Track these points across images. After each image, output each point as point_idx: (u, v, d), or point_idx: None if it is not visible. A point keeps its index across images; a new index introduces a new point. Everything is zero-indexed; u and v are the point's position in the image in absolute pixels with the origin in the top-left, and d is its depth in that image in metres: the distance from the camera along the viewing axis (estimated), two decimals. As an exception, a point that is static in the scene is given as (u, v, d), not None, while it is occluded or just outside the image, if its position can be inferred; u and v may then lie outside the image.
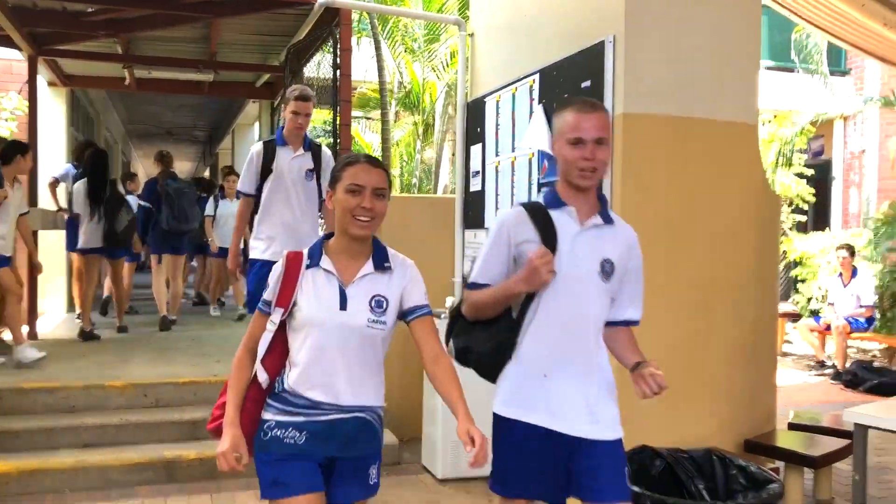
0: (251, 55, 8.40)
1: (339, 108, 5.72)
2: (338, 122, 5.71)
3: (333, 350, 2.26)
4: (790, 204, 12.39)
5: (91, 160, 7.05)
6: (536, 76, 4.50)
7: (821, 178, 13.49)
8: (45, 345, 6.23)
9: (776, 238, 4.25)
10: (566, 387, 2.33)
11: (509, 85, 4.87)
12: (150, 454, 4.59)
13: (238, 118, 12.94)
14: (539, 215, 2.36)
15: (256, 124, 12.64)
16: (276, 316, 2.30)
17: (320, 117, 9.10)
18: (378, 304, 2.29)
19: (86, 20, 6.83)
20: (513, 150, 4.82)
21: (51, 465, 4.41)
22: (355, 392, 2.30)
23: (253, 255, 4.80)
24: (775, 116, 13.03)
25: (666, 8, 3.77)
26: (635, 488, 2.63)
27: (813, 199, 12.54)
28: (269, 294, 2.35)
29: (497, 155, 5.06)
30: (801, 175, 12.45)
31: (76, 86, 9.52)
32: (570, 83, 4.12)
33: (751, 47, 4.07)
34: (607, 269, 2.35)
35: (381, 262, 2.34)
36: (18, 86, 8.56)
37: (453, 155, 8.96)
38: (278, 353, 2.33)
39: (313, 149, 4.83)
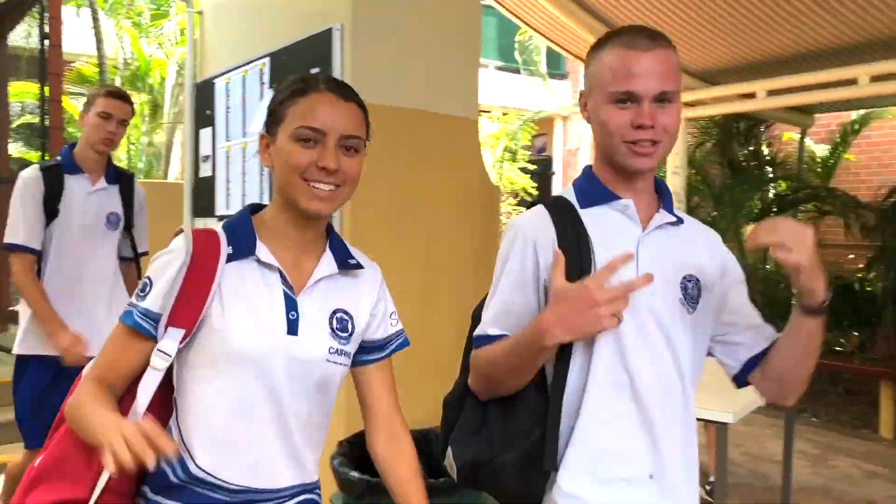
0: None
1: (47, 81, 5.19)
2: (46, 98, 5.18)
3: (271, 400, 1.38)
4: (515, 196, 13.33)
5: None
6: (267, 59, 4.40)
7: (543, 173, 14.67)
8: None
9: (497, 227, 4.54)
10: (677, 486, 1.46)
11: (239, 67, 4.71)
12: None
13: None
14: (566, 216, 1.48)
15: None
16: (171, 343, 1.32)
17: (27, 90, 8.22)
18: (341, 324, 1.45)
19: None
20: (244, 136, 4.67)
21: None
22: (301, 464, 1.45)
23: (20, 349, 3.05)
24: (504, 114, 13.94)
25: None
26: (353, 473, 2.66)
27: (536, 193, 13.61)
28: (154, 302, 1.35)
29: (227, 139, 4.88)
30: (525, 170, 13.44)
31: None
32: (300, 68, 4.07)
33: (471, 46, 4.28)
34: (692, 293, 1.48)
35: (346, 258, 1.49)
36: None
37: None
38: (158, 406, 1.36)
39: (121, 181, 3.34)
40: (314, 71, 3.93)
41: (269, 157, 1.45)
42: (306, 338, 1.39)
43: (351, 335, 1.47)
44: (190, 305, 1.32)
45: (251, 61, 4.59)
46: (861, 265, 8.10)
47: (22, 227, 2.96)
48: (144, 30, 8.67)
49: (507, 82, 14.28)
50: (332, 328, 1.43)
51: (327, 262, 1.46)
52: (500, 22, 12.19)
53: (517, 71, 14.37)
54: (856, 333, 7.81)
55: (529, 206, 1.61)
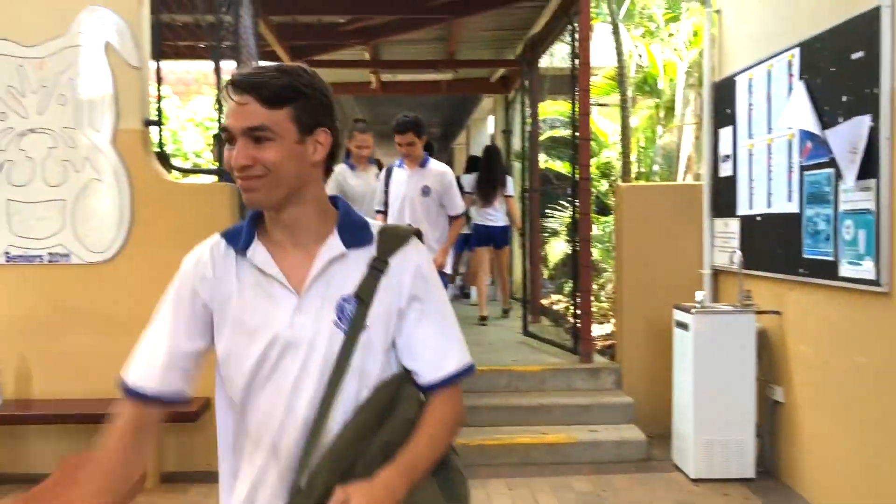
0: (487, 51, 8.57)
1: (577, 97, 5.65)
2: (576, 112, 5.65)
3: None
4: None
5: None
6: (796, 50, 4.16)
7: None
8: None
9: None
10: None
11: (763, 61, 4.55)
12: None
13: (473, 113, 13.28)
14: None
15: (490, 118, 12.89)
16: None
17: (556, 108, 9.06)
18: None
19: (338, 31, 7.35)
20: (769, 132, 4.50)
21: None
22: None
23: None
24: None
25: (958, -39, 3.31)
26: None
27: None
28: None
29: (750, 137, 4.75)
30: None
31: (329, 92, 10.26)
32: (837, 56, 3.76)
33: None
34: None
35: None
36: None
37: (696, 139, 8.52)
38: None
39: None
40: (856, 56, 3.59)
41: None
42: None
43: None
44: None
45: (777, 54, 4.38)
46: None
47: None
48: (656, 35, 8.92)
49: None
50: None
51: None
52: None
53: None
54: None
55: None
